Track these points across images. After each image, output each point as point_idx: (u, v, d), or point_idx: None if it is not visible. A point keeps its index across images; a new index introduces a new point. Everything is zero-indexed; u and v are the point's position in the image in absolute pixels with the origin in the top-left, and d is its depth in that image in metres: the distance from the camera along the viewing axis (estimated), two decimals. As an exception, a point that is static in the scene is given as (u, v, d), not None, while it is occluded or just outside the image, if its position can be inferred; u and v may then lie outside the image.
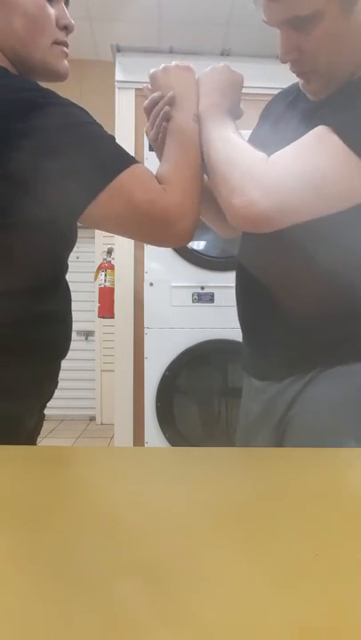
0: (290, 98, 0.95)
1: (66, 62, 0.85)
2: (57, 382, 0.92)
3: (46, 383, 0.89)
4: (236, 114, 0.90)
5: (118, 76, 2.36)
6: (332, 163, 0.75)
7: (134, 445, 2.28)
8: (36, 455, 0.74)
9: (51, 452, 0.77)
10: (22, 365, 0.81)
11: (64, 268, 0.89)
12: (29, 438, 0.91)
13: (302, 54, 0.81)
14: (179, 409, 2.31)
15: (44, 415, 0.96)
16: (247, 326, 0.99)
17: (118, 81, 2.36)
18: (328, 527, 0.49)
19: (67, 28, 0.84)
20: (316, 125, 0.77)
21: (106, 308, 2.48)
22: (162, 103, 0.86)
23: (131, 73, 2.32)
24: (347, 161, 0.74)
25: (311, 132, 0.77)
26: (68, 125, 0.71)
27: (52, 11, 0.81)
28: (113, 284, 2.45)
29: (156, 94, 0.87)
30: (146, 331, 2.27)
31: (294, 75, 0.87)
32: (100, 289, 2.54)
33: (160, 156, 0.88)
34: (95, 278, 2.65)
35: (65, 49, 0.84)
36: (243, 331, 1.00)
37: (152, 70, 0.90)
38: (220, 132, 0.83)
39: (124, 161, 0.73)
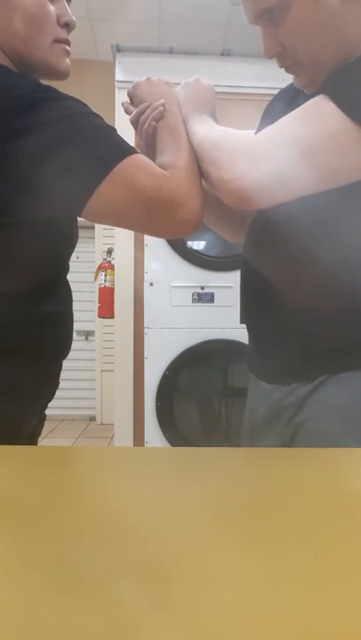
0: (289, 96, 0.95)
1: (67, 60, 0.85)
2: (58, 383, 0.92)
3: (47, 384, 0.89)
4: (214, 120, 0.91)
5: (118, 75, 2.36)
6: (325, 129, 0.71)
7: (134, 445, 2.28)
8: (36, 455, 0.74)
9: (51, 452, 0.77)
10: (23, 366, 0.81)
11: (65, 268, 0.89)
12: (30, 438, 0.91)
13: (284, 48, 0.81)
14: (179, 409, 2.31)
15: (44, 415, 0.96)
16: (251, 326, 0.97)
17: (118, 81, 2.36)
18: (328, 527, 0.49)
19: (68, 26, 0.83)
20: None
21: (106, 308, 2.48)
22: (154, 105, 0.86)
23: (131, 73, 2.32)
24: (343, 128, 0.71)
25: (307, 102, 0.76)
26: (68, 117, 0.71)
27: (52, 8, 0.81)
28: (113, 284, 2.45)
29: (144, 104, 0.88)
30: (146, 331, 2.27)
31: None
32: (100, 289, 2.54)
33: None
34: (95, 278, 2.64)
35: (66, 47, 0.84)
36: (247, 330, 0.98)
37: (136, 80, 0.91)
38: (203, 125, 0.84)
39: (124, 150, 0.73)
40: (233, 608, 0.36)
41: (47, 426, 0.99)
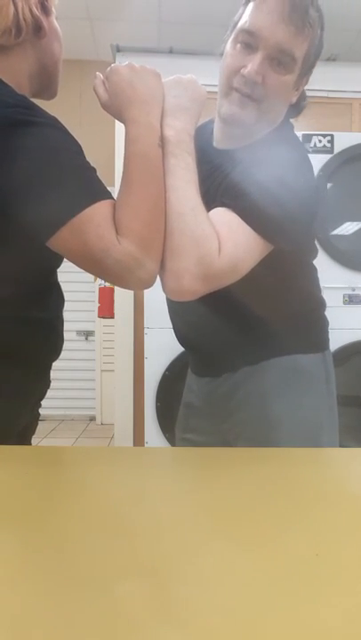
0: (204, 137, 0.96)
1: None
2: (49, 382, 0.92)
3: (35, 385, 0.89)
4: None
5: (118, 76, 2.36)
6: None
7: (134, 445, 2.28)
8: (36, 455, 0.74)
9: (51, 452, 0.77)
10: (11, 369, 0.81)
11: (53, 277, 0.90)
12: (23, 437, 0.91)
13: (263, 84, 0.84)
14: (179, 409, 2.31)
15: (38, 414, 0.97)
16: (185, 340, 1.10)
17: (118, 81, 2.35)
18: (328, 527, 0.49)
19: None
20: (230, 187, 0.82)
21: (106, 308, 2.48)
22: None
23: (131, 73, 2.31)
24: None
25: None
26: (42, 151, 0.70)
27: None
28: (113, 284, 2.45)
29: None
30: (146, 331, 2.27)
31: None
32: (100, 289, 2.54)
33: None
34: (95, 278, 2.64)
35: None
36: (182, 342, 1.12)
37: (114, 65, 0.79)
38: (185, 175, 0.77)
39: (89, 197, 0.70)
40: (233, 607, 0.36)
41: (47, 426, 0.99)
